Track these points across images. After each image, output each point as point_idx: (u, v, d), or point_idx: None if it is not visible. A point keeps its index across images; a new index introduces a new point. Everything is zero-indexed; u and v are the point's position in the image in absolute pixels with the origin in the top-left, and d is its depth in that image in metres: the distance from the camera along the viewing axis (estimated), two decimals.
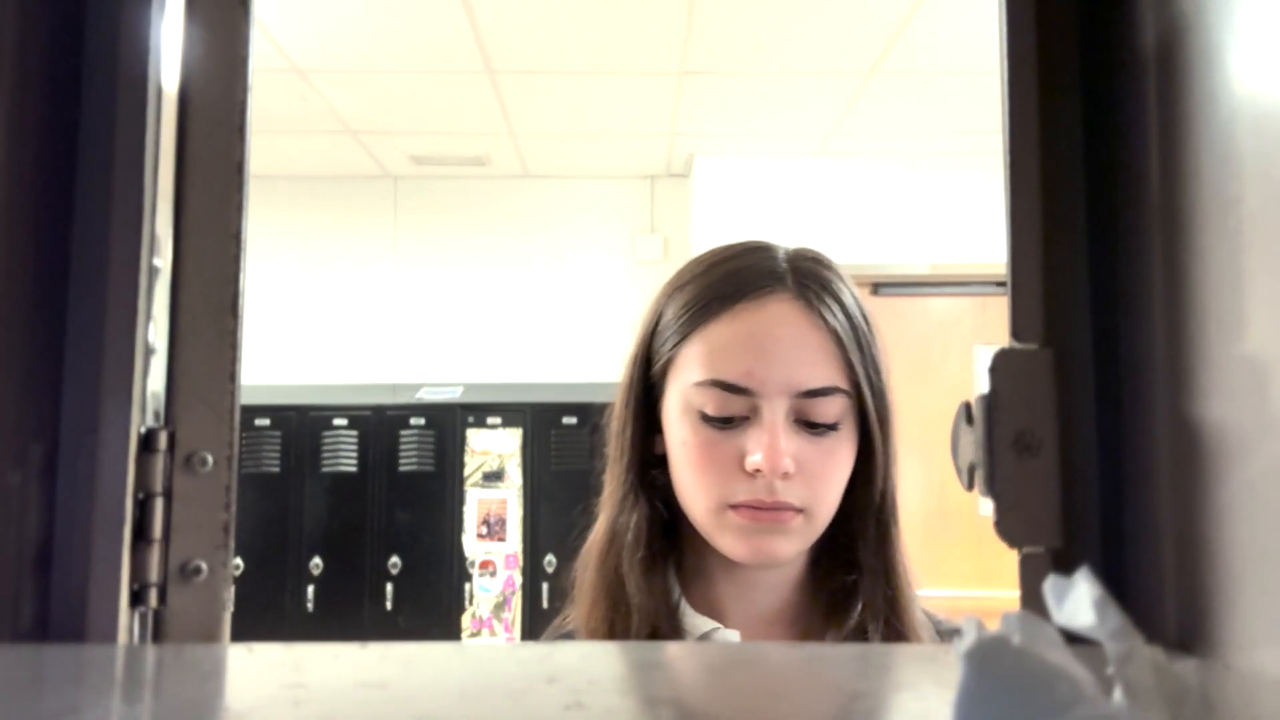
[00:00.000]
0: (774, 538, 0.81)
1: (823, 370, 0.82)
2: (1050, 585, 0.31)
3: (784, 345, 0.81)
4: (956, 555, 3.87)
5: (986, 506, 0.41)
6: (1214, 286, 0.34)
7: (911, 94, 3.40)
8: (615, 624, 0.85)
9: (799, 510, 0.81)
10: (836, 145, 3.91)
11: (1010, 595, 0.40)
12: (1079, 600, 0.29)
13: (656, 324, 0.89)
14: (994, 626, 0.28)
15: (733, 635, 0.85)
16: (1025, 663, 0.24)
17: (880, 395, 0.85)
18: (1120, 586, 0.39)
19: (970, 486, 0.42)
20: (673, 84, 3.31)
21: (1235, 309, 0.33)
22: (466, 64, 3.15)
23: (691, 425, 0.83)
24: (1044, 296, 0.42)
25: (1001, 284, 0.43)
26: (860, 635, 0.84)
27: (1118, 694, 0.25)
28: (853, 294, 0.87)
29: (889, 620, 0.85)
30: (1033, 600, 0.40)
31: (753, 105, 3.51)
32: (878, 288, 4.01)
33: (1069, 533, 0.41)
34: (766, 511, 0.80)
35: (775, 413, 0.81)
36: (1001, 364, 0.42)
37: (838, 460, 0.83)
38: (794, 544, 0.82)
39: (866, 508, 0.86)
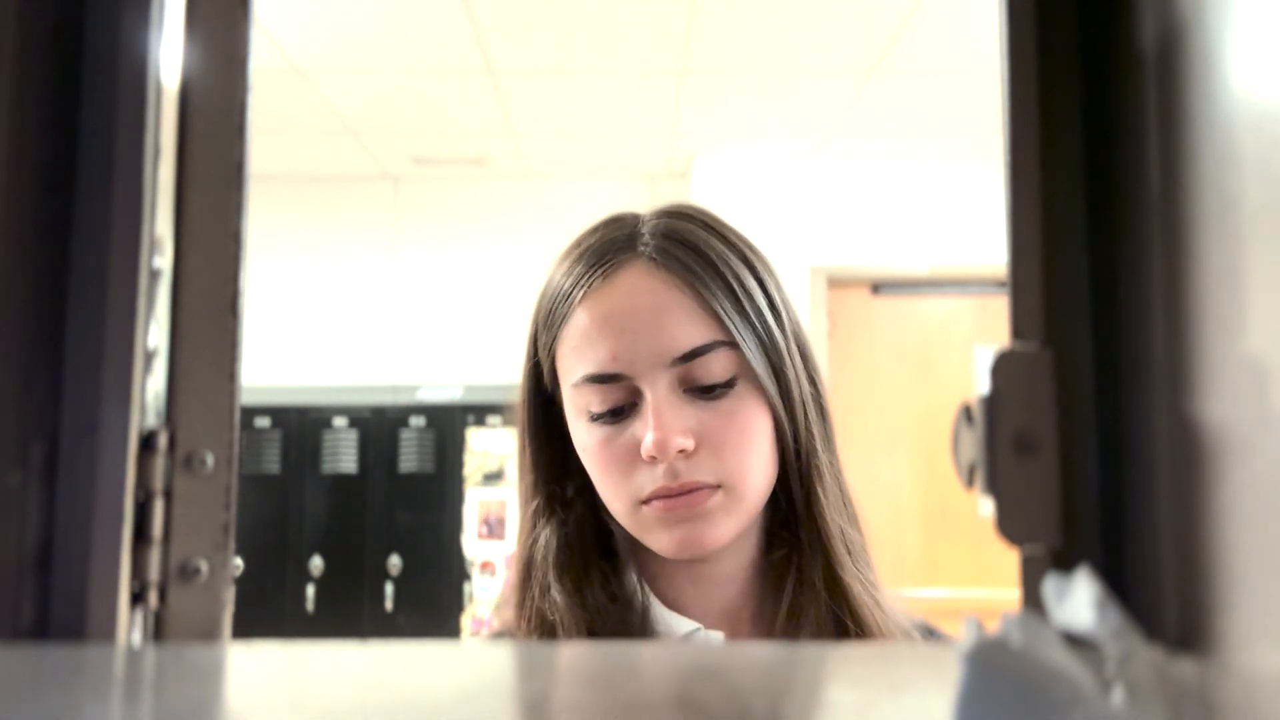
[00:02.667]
0: (696, 524, 0.74)
1: (694, 328, 0.74)
2: (1050, 585, 0.31)
3: (642, 315, 0.74)
4: (956, 555, 3.87)
5: (986, 506, 0.41)
6: (1214, 286, 0.34)
7: (911, 94, 3.40)
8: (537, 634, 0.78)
9: (715, 486, 0.74)
10: (836, 146, 3.91)
11: (1010, 595, 0.40)
12: (1079, 600, 0.29)
13: (535, 331, 0.83)
14: (994, 626, 0.28)
15: (715, 636, 0.79)
16: (1025, 664, 0.24)
17: (769, 339, 0.77)
18: (1120, 586, 0.39)
19: (970, 486, 0.42)
20: (673, 84, 3.31)
21: (1235, 309, 0.33)
22: (466, 64, 3.15)
23: (584, 427, 0.77)
24: (1044, 296, 0.42)
25: (1001, 284, 0.43)
26: (800, 618, 0.77)
27: (1118, 694, 0.25)
28: (726, 238, 0.79)
29: (833, 597, 0.77)
30: (1033, 600, 0.40)
31: (753, 105, 3.51)
32: (878, 288, 4.01)
33: (1069, 532, 0.41)
34: (677, 497, 0.73)
35: (656, 388, 0.73)
36: (1001, 364, 0.42)
37: (744, 421, 0.75)
38: (721, 526, 0.74)
39: (786, 472, 0.79)
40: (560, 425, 0.81)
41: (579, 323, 0.76)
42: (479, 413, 4.01)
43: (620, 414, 0.75)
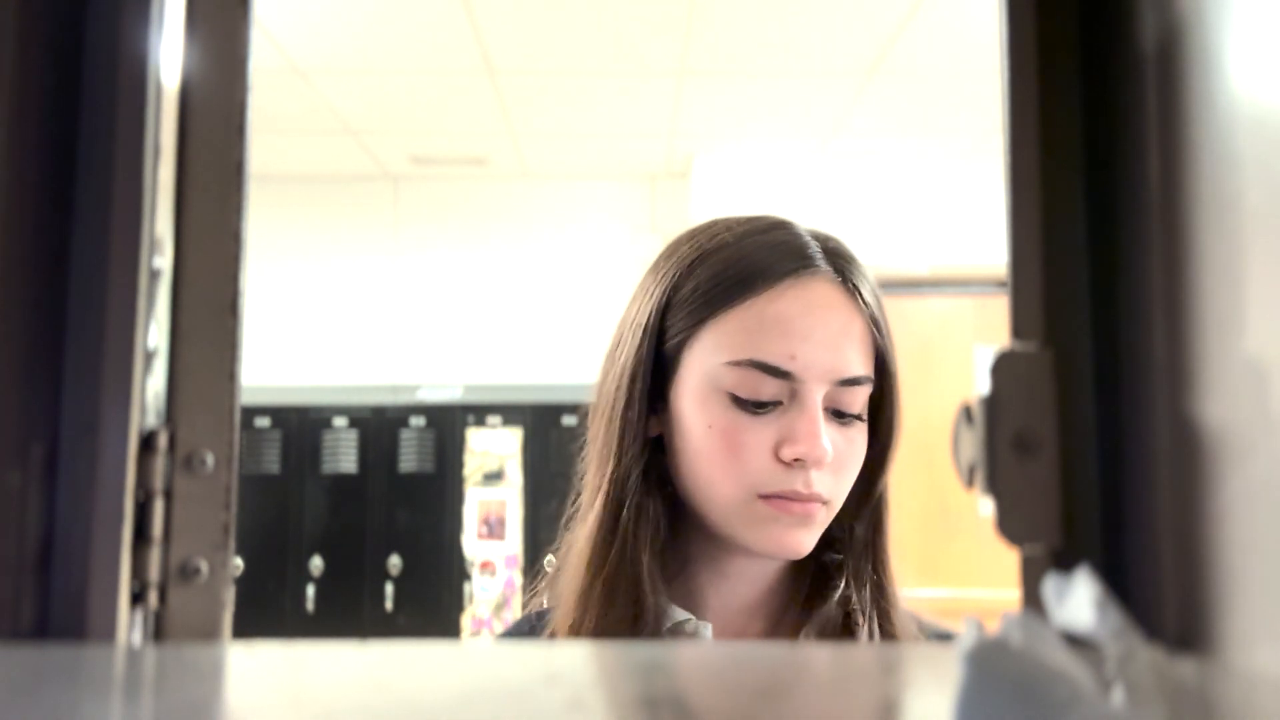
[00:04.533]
0: (800, 530, 0.77)
1: (861, 358, 0.78)
2: (1050, 585, 0.31)
3: (830, 329, 0.77)
4: (956, 555, 3.87)
5: (986, 506, 0.41)
6: (1214, 286, 0.34)
7: (911, 94, 3.40)
8: (626, 626, 0.77)
9: (825, 502, 0.78)
10: (836, 145, 3.91)
11: (1010, 595, 0.40)
12: (1079, 600, 0.29)
13: (671, 296, 0.81)
14: (994, 627, 0.28)
15: (705, 627, 0.80)
16: (1025, 664, 0.24)
17: (896, 384, 0.82)
18: (1120, 586, 0.39)
19: (970, 486, 0.42)
20: (673, 84, 3.31)
21: (1235, 309, 0.33)
22: (466, 64, 3.15)
23: (720, 407, 0.77)
24: (1044, 296, 0.42)
25: (1001, 284, 0.43)
26: (838, 621, 0.80)
27: (1118, 694, 0.25)
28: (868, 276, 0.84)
29: (879, 605, 0.82)
30: (1033, 600, 0.40)
31: (753, 105, 3.51)
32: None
33: (1069, 532, 0.41)
34: (800, 504, 0.76)
35: (816, 400, 0.76)
36: (1001, 364, 0.42)
37: (858, 451, 0.80)
38: (815, 536, 0.79)
39: (868, 498, 0.83)
40: (655, 391, 0.81)
41: (761, 308, 0.77)
42: (479, 413, 4.01)
43: (763, 407, 0.77)
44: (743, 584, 0.83)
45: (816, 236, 0.82)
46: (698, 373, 0.79)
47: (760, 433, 0.76)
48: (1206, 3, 0.35)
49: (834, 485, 0.78)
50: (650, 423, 0.82)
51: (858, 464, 0.80)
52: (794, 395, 0.77)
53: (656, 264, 0.85)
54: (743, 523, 0.77)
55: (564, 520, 0.88)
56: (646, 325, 0.82)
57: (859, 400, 0.78)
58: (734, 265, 0.79)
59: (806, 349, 0.76)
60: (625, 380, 0.82)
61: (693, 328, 0.79)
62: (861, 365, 0.78)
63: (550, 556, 0.90)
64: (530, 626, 0.90)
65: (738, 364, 0.76)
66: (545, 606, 0.89)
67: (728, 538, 0.79)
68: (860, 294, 0.79)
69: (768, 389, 0.76)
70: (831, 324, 0.77)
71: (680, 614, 0.80)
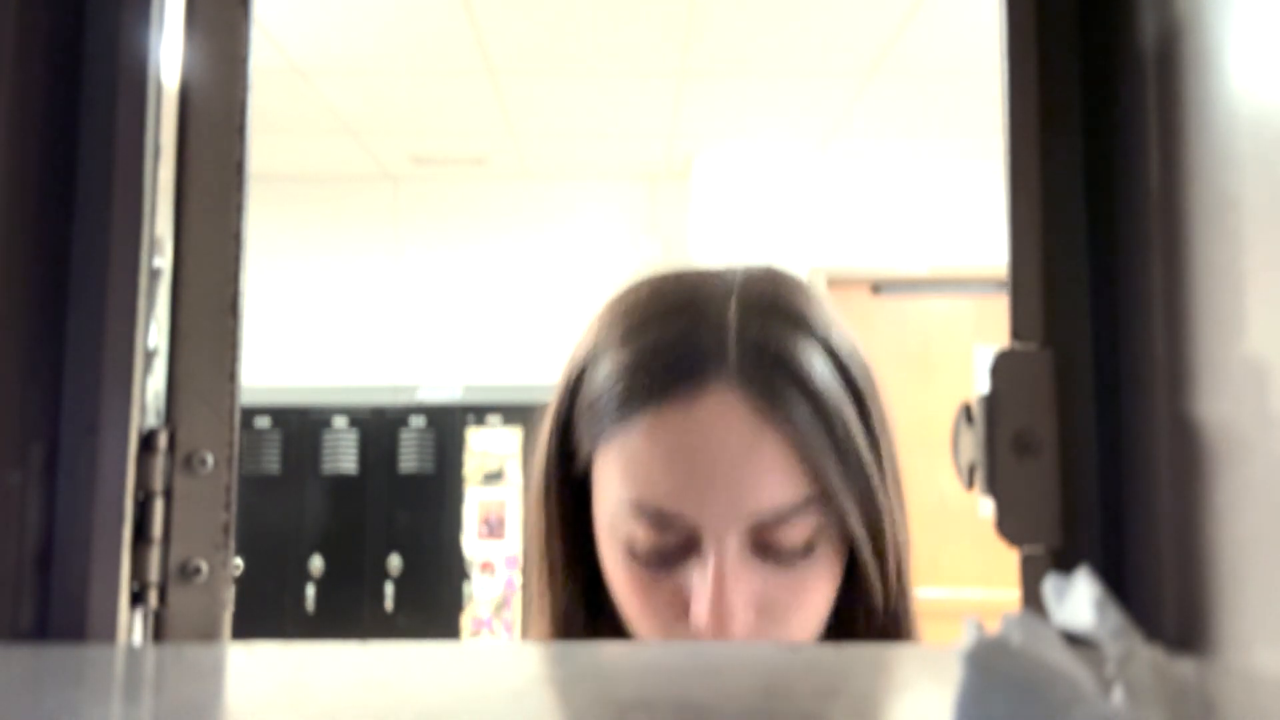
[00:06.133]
0: None
1: (784, 484, 0.60)
2: (1050, 585, 0.31)
3: (728, 460, 0.59)
4: (956, 555, 3.88)
5: (986, 506, 0.41)
6: (1214, 286, 0.34)
7: (911, 94, 3.40)
8: None
9: None
10: (836, 146, 3.91)
11: (1010, 595, 0.40)
12: (1079, 600, 0.29)
13: (574, 400, 0.67)
14: (994, 626, 0.28)
15: None
16: (1025, 664, 0.24)
17: (868, 493, 0.63)
18: (1120, 586, 0.39)
19: (970, 486, 0.42)
20: (673, 84, 3.31)
21: (1235, 309, 0.33)
22: (466, 64, 3.15)
23: (620, 555, 0.63)
24: (1044, 296, 0.42)
25: (1001, 284, 0.43)
26: None
27: (1118, 694, 0.25)
28: (826, 342, 0.65)
29: None
30: (1033, 600, 0.40)
31: (753, 105, 3.51)
32: (878, 288, 4.01)
33: (1069, 532, 0.41)
34: None
35: (722, 550, 0.60)
36: (1001, 364, 0.42)
37: (815, 592, 0.63)
38: None
39: (862, 632, 0.67)
40: (587, 510, 0.68)
41: (638, 443, 0.61)
42: (479, 413, 4.01)
43: (669, 559, 0.61)
44: None
45: (743, 308, 0.64)
46: (601, 507, 0.65)
47: (665, 588, 0.62)
48: (1206, 3, 0.35)
49: (778, 636, 0.62)
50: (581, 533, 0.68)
51: (811, 609, 0.63)
52: (699, 543, 0.60)
53: (580, 339, 0.71)
54: None
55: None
56: (549, 442, 0.69)
57: (798, 533, 0.61)
58: (619, 376, 0.63)
59: (694, 488, 0.60)
60: (537, 503, 0.70)
61: (592, 447, 0.65)
62: (787, 492, 0.60)
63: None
64: None
65: (628, 506, 0.61)
66: None
67: None
68: (780, 401, 0.60)
69: (665, 538, 0.61)
70: (731, 451, 0.60)
71: None
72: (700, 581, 0.60)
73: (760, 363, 0.62)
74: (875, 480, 0.64)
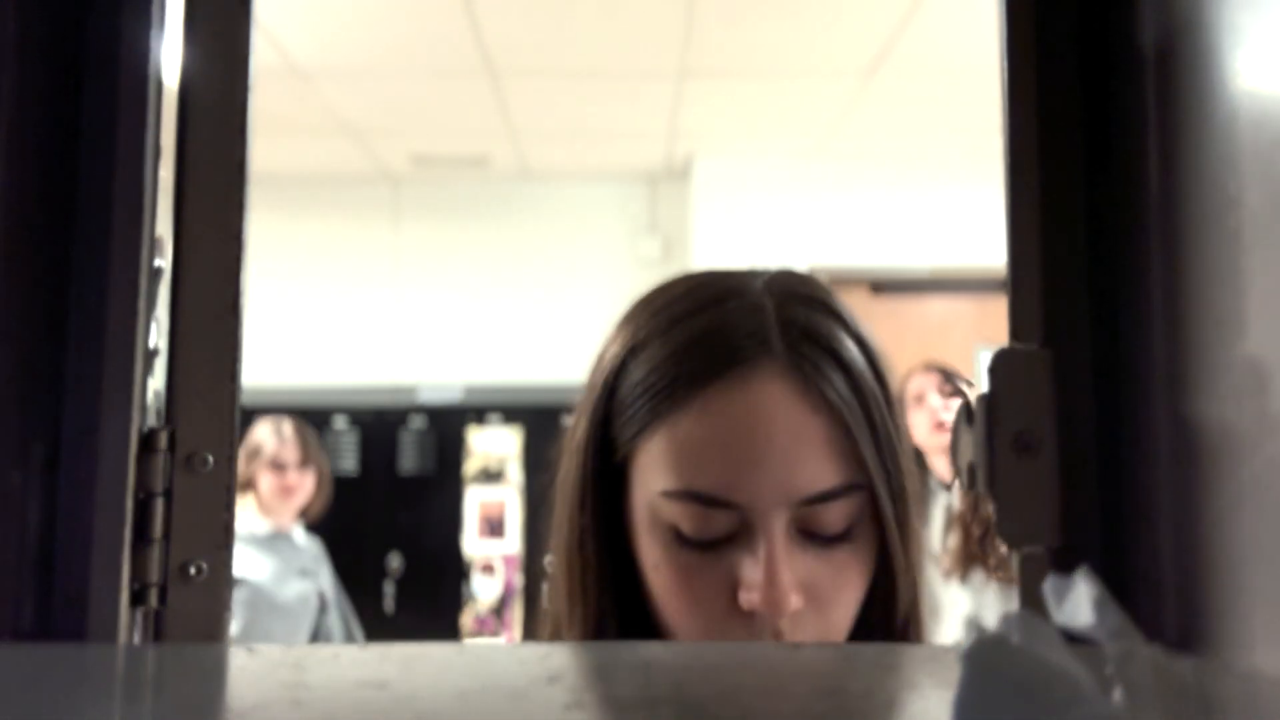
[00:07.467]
0: None
1: (829, 466, 0.61)
2: (1050, 585, 0.31)
3: (778, 442, 0.61)
4: None
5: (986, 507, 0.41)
6: (1214, 286, 0.34)
7: (911, 95, 3.40)
8: None
9: None
10: (837, 146, 3.91)
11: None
12: (1079, 600, 0.29)
13: (612, 395, 0.67)
14: (994, 626, 0.28)
15: None
16: (1024, 663, 0.24)
17: (897, 479, 0.64)
18: (1120, 586, 0.39)
19: (970, 486, 0.42)
20: (673, 84, 3.31)
21: (1235, 309, 0.33)
22: (466, 64, 3.15)
23: (664, 545, 0.63)
24: (1044, 296, 0.42)
25: (1001, 284, 0.43)
26: None
27: (1118, 694, 0.25)
28: (854, 332, 0.66)
29: None
30: (1033, 600, 0.40)
31: (753, 106, 3.51)
32: (878, 288, 4.01)
33: (1069, 533, 0.41)
34: None
35: (773, 531, 0.60)
36: (1001, 364, 0.42)
37: (854, 577, 0.64)
38: None
39: (884, 627, 0.67)
40: (616, 512, 0.68)
41: (687, 429, 0.62)
42: (479, 413, 4.01)
43: (715, 544, 0.62)
44: None
45: (778, 301, 0.65)
46: (641, 499, 0.65)
47: (713, 573, 0.62)
48: (1206, 3, 0.35)
49: (819, 627, 0.62)
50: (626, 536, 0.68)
51: (851, 594, 0.64)
52: (747, 525, 0.61)
53: (610, 337, 0.71)
54: None
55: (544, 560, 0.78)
56: (586, 438, 0.68)
57: (839, 516, 0.62)
58: (665, 363, 0.64)
59: (744, 471, 0.60)
60: (573, 507, 0.69)
61: (633, 439, 0.65)
62: (832, 474, 0.61)
63: (550, 556, 0.86)
64: None
65: (675, 495, 0.62)
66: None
67: None
68: (824, 384, 0.62)
69: (716, 522, 0.61)
70: (780, 434, 0.61)
71: None
72: (752, 564, 0.61)
73: (802, 346, 0.63)
74: (901, 466, 0.65)
